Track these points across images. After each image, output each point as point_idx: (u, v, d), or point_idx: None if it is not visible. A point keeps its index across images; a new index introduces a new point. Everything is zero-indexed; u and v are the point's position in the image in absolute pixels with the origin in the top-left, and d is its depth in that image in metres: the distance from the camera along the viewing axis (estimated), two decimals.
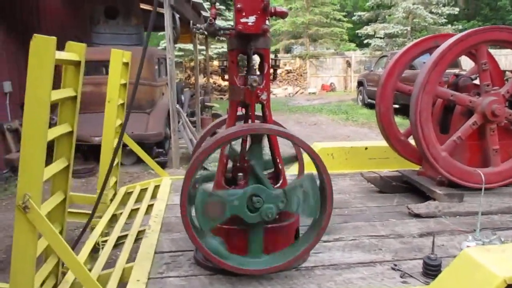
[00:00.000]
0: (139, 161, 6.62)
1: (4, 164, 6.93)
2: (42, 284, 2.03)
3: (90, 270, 2.29)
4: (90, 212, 3.63)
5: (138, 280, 2.02)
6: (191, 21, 2.32)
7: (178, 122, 7.56)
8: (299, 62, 22.49)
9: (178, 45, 21.53)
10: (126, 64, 3.67)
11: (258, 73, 2.11)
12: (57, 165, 2.05)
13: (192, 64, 24.18)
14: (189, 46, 21.72)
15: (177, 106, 7.45)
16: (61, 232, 2.15)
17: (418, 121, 2.77)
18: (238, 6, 1.89)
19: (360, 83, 16.15)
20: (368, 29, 21.54)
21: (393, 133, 3.43)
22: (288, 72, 22.47)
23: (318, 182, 2.03)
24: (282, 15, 2.08)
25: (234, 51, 2.09)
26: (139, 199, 3.55)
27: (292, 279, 2.05)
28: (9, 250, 4.36)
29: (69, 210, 3.34)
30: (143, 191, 3.66)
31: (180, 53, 22.08)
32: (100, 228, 2.99)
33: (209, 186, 2.29)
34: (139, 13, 8.08)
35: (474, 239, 2.09)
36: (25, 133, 1.66)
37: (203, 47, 21.75)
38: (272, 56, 2.17)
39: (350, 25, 23.81)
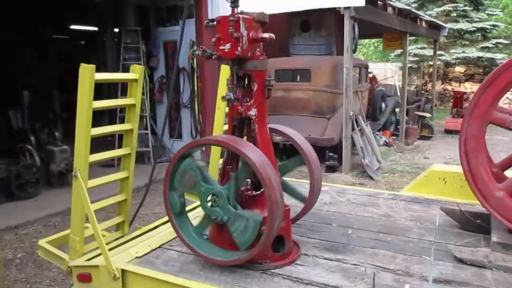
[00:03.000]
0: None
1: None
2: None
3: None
4: None
5: (149, 245, 2.67)
6: (194, 47, 2.53)
7: (352, 129, 7.70)
8: None
9: (413, 51, 20.78)
10: None
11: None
12: (124, 150, 2.90)
13: (431, 70, 22.78)
14: (425, 52, 20.67)
15: (351, 113, 7.60)
16: (125, 201, 3.00)
17: (463, 151, 2.36)
18: (217, 36, 2.26)
19: None
20: None
21: None
22: None
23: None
24: (264, 40, 2.30)
25: (231, 72, 2.44)
26: None
27: (246, 278, 2.26)
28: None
29: None
30: None
31: (415, 59, 21.22)
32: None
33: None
34: (330, 25, 8.56)
35: None
36: (78, 129, 2.52)
37: (442, 52, 20.25)
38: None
39: None
